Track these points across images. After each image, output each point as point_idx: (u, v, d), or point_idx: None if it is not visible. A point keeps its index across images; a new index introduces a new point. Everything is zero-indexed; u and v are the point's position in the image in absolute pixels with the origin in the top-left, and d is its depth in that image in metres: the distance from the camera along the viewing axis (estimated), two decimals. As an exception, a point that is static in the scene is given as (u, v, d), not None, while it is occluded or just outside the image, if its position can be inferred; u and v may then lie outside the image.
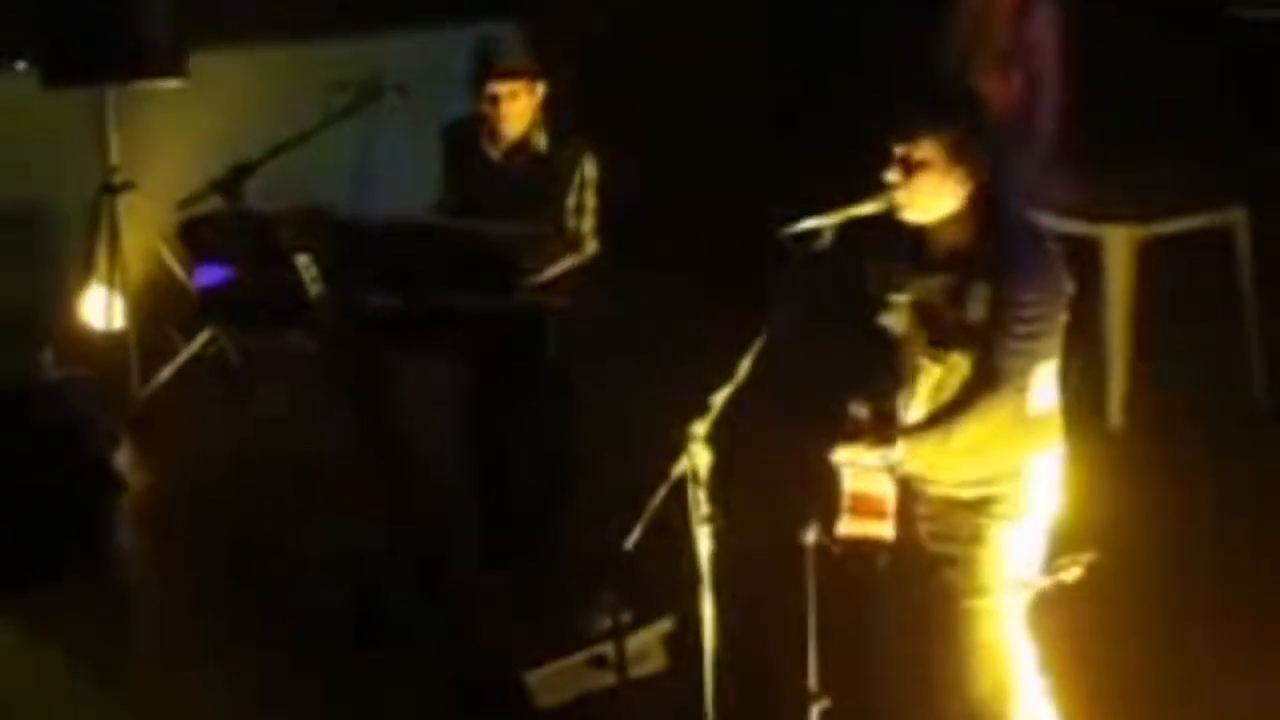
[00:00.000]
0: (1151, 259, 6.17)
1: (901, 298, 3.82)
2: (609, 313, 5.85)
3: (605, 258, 5.20)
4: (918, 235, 3.81)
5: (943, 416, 3.71)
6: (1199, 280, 6.47)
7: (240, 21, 7.34)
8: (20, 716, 4.65)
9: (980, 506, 3.79)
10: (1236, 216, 6.28)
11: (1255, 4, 6.98)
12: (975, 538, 3.78)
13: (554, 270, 5.06)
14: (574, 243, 5.10)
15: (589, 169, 5.10)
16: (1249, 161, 6.43)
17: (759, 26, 8.29)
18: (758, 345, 3.61)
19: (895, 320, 3.82)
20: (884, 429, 3.73)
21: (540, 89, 5.12)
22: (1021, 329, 3.66)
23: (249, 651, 4.94)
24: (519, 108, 5.08)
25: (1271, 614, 4.83)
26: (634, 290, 7.02)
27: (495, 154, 5.16)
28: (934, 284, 3.77)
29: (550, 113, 5.16)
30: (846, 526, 3.76)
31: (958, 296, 3.72)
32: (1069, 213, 5.84)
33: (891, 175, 3.72)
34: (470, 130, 5.20)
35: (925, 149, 3.69)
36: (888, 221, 3.80)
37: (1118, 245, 6.13)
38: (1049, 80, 6.06)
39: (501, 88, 5.05)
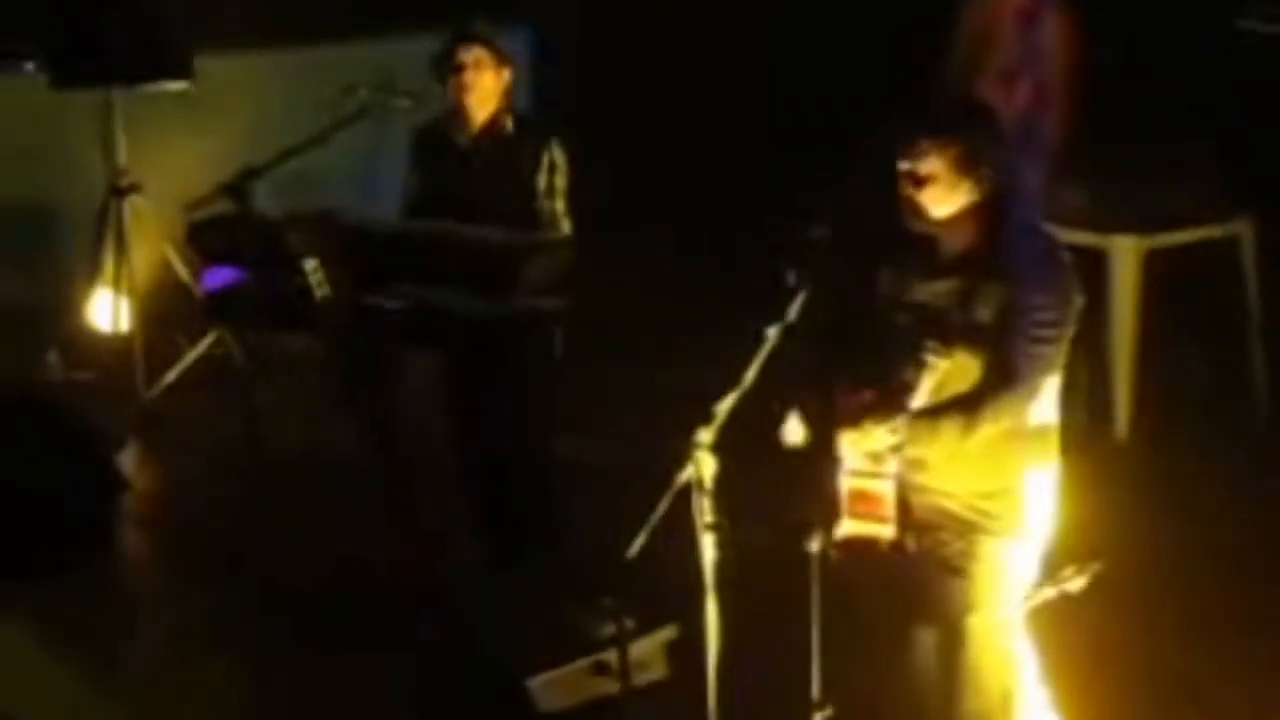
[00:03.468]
0: (1157, 270, 6.17)
1: (911, 300, 3.83)
2: (608, 316, 5.88)
3: (601, 259, 5.22)
4: (928, 240, 3.82)
5: (960, 408, 3.71)
6: (1205, 291, 6.47)
7: (249, 25, 7.35)
8: (23, 715, 4.65)
9: (976, 522, 3.80)
10: (1242, 228, 6.28)
11: (1264, 17, 6.98)
12: (969, 553, 3.79)
13: (551, 273, 5.07)
14: (550, 226, 5.11)
15: (556, 152, 5.13)
16: (1255, 172, 6.43)
17: (760, 27, 8.30)
18: (763, 353, 3.62)
19: (904, 322, 3.84)
20: (890, 403, 3.72)
21: (506, 74, 5.16)
22: (1036, 332, 3.69)
23: (251, 651, 4.94)
24: (485, 82, 5.13)
25: (1277, 625, 4.83)
26: (631, 292, 7.05)
27: (464, 140, 5.19)
28: (942, 288, 3.79)
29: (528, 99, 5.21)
30: (847, 527, 3.76)
31: (965, 299, 3.74)
32: (1075, 223, 5.84)
33: (902, 190, 3.73)
34: (439, 125, 5.25)
35: (931, 163, 3.71)
36: (898, 226, 3.81)
37: (1124, 256, 6.13)
38: (1055, 90, 6.06)
39: (466, 55, 5.10)
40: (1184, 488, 5.64)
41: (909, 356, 3.80)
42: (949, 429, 3.70)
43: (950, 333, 3.76)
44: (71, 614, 5.15)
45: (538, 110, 6.83)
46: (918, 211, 3.75)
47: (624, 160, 7.29)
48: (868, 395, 3.75)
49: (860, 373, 3.85)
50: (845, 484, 3.76)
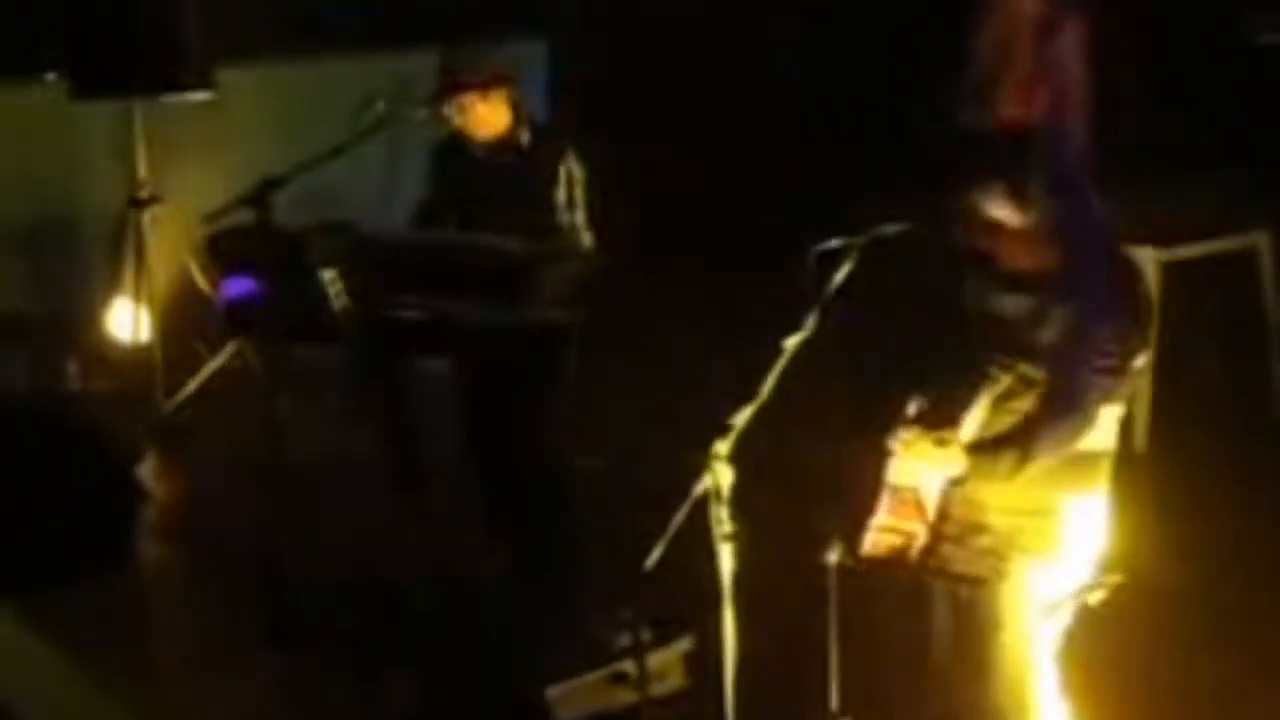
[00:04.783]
0: (1175, 282, 6.16)
1: (989, 311, 3.85)
2: (626, 326, 5.87)
3: (619, 268, 5.23)
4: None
5: (1016, 443, 3.72)
6: (1223, 303, 6.47)
7: (269, 36, 7.38)
8: (20, 710, 4.66)
9: (1011, 539, 3.79)
10: (1260, 240, 6.28)
11: (1275, 29, 6.99)
12: (1000, 570, 3.78)
13: (570, 284, 5.08)
14: (571, 238, 5.12)
15: (574, 165, 5.13)
16: (1273, 184, 6.42)
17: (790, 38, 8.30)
18: (780, 364, 3.63)
19: (977, 331, 3.85)
20: (941, 415, 3.72)
21: (496, 94, 5.13)
22: (1098, 362, 3.69)
23: (269, 660, 4.95)
24: (476, 116, 5.12)
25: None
26: (649, 303, 7.05)
27: (481, 153, 5.20)
28: (1018, 302, 3.81)
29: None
30: (882, 519, 3.77)
31: (1036, 318, 3.75)
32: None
33: (981, 242, 3.77)
34: (458, 138, 5.25)
35: (993, 212, 3.74)
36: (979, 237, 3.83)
37: (1142, 267, 6.12)
38: (1074, 97, 6.05)
39: (447, 107, 5.11)
40: (1204, 498, 5.63)
41: (974, 366, 3.81)
42: (1006, 462, 3.71)
43: (1016, 348, 3.76)
44: (89, 623, 5.16)
45: (552, 120, 6.83)
46: (1001, 257, 3.77)
47: (640, 170, 7.31)
48: (922, 403, 3.76)
49: (928, 381, 3.87)
50: (891, 474, 3.77)
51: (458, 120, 5.14)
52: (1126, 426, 6.00)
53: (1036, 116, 6.00)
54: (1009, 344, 3.79)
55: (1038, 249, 3.76)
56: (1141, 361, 3.80)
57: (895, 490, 3.78)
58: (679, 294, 7.28)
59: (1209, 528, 5.43)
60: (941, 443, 3.70)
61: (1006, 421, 3.79)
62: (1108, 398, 3.75)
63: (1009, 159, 3.82)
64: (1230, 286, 6.37)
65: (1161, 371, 6.13)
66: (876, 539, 3.80)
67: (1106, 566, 3.89)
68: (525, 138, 5.20)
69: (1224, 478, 5.81)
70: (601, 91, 7.93)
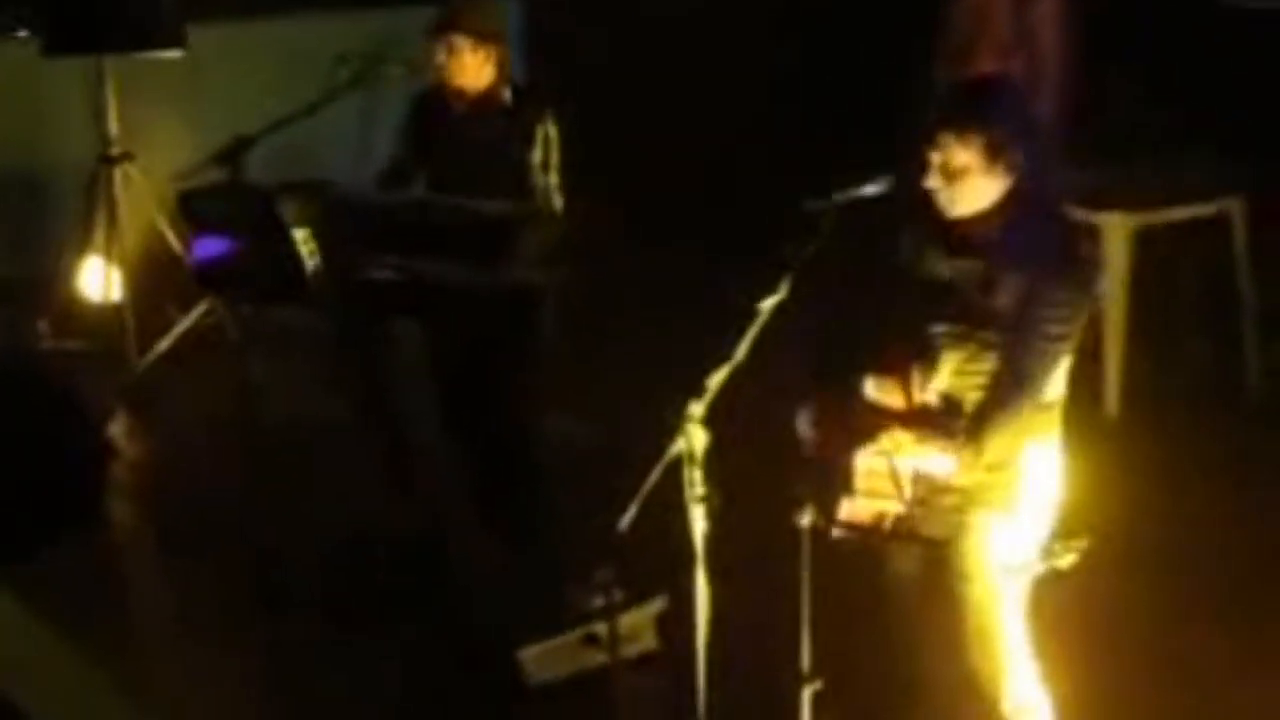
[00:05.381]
0: (1149, 247, 6.18)
1: (934, 274, 3.83)
2: (603, 289, 5.86)
3: (599, 231, 5.23)
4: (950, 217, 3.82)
5: (972, 434, 3.72)
6: (1196, 269, 6.48)
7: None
8: (6, 687, 4.64)
9: (971, 493, 3.80)
10: (1233, 205, 6.29)
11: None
12: (962, 525, 3.79)
13: (543, 246, 5.07)
14: (544, 200, 5.11)
15: (551, 126, 5.13)
16: (1246, 150, 6.43)
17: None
18: (756, 326, 3.62)
19: (925, 296, 3.84)
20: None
21: (486, 51, 5.13)
22: (1050, 329, 3.69)
23: (242, 623, 4.94)
24: (463, 64, 5.12)
25: (1266, 602, 4.84)
26: (629, 265, 7.04)
27: (460, 109, 5.19)
28: (966, 267, 3.79)
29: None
30: (858, 487, 3.77)
31: (988, 285, 3.74)
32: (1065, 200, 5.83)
33: (933, 182, 3.73)
34: (438, 92, 5.24)
35: (961, 155, 3.71)
36: (920, 196, 3.80)
37: (1115, 233, 6.13)
38: (1050, 65, 6.05)
39: (440, 46, 5.11)
40: (1174, 464, 5.65)
41: (927, 333, 3.80)
42: (970, 454, 3.72)
43: (971, 318, 3.76)
44: (59, 584, 5.11)
45: (529, 79, 6.81)
46: (949, 203, 3.75)
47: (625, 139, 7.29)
48: (880, 381, 3.75)
49: (876, 348, 3.86)
50: (860, 461, 3.76)
51: (442, 60, 5.11)
52: (1098, 390, 6.08)
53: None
54: (963, 311, 3.78)
55: (992, 208, 3.75)
56: (1084, 319, 3.80)
57: (872, 459, 3.78)
58: (676, 284, 7.26)
59: (1179, 493, 5.45)
60: (940, 449, 3.71)
61: (970, 385, 3.79)
62: (1057, 364, 3.76)
63: (982, 103, 3.81)
64: (1204, 254, 6.39)
65: (1134, 337, 6.16)
66: (852, 507, 3.80)
67: (1076, 530, 3.91)
68: (505, 98, 5.19)
69: (1196, 443, 5.84)
70: (600, 90, 7.87)
